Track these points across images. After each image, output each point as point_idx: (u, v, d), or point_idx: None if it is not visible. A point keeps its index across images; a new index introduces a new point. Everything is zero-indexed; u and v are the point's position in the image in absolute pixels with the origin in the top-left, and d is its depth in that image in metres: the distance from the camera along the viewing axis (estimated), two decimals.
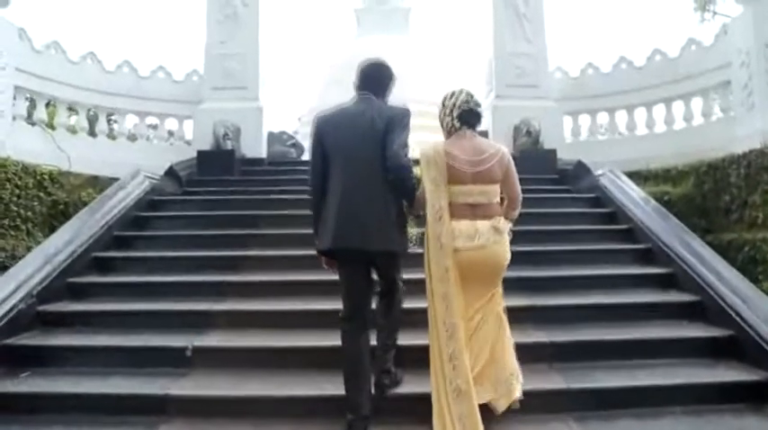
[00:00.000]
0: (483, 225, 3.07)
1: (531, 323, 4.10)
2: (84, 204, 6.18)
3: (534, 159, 7.49)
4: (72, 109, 8.48)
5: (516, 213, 3.31)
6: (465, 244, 3.03)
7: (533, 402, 3.27)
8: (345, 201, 3.08)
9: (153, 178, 6.77)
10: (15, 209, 6.16)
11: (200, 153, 7.87)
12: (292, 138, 9.69)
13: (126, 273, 5.18)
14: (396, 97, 3.43)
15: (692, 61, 7.76)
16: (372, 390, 3.20)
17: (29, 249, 5.60)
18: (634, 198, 5.98)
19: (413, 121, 3.22)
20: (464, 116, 3.18)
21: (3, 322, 3.94)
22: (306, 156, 9.22)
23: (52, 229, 5.97)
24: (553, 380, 3.55)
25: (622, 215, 5.91)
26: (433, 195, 3.08)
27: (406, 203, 3.23)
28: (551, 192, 6.82)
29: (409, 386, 3.37)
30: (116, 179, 6.56)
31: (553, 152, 7.85)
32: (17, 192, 6.22)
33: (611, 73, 8.59)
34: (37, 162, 6.70)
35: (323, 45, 47.14)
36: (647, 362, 3.76)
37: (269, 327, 4.14)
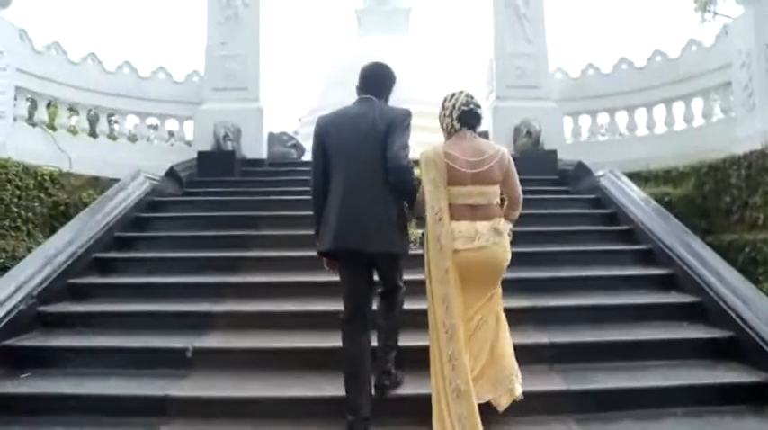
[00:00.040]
0: (483, 226, 3.06)
1: (532, 324, 4.10)
2: (85, 205, 6.18)
3: (535, 160, 7.49)
4: (73, 110, 8.51)
5: (517, 214, 3.31)
6: (465, 245, 3.02)
7: (534, 403, 3.27)
8: (346, 202, 3.08)
9: (153, 179, 6.77)
10: (16, 209, 6.17)
11: (200, 154, 7.88)
12: (293, 138, 9.70)
13: (126, 273, 5.19)
14: (396, 98, 3.43)
15: (693, 62, 7.76)
16: (373, 392, 3.20)
17: (29, 250, 5.61)
18: (634, 199, 5.98)
19: (413, 122, 3.23)
20: (464, 117, 3.18)
21: (3, 323, 3.94)
22: (306, 157, 9.24)
23: (53, 230, 5.97)
24: (553, 382, 3.54)
25: (623, 216, 5.91)
26: (433, 196, 3.08)
27: (407, 204, 3.23)
28: (552, 193, 6.82)
29: (409, 387, 3.37)
30: (117, 180, 6.56)
31: (553, 153, 7.85)
32: (18, 192, 6.22)
33: (612, 73, 8.59)
34: (38, 163, 6.71)
35: (323, 46, 47.20)
36: (647, 364, 3.75)
37: (269, 328, 4.15)
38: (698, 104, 7.80)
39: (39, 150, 7.02)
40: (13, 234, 6.08)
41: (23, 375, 3.70)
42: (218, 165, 7.73)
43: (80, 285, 4.80)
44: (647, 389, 3.48)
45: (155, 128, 9.64)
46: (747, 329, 3.83)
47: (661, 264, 5.04)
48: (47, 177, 6.69)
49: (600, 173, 6.72)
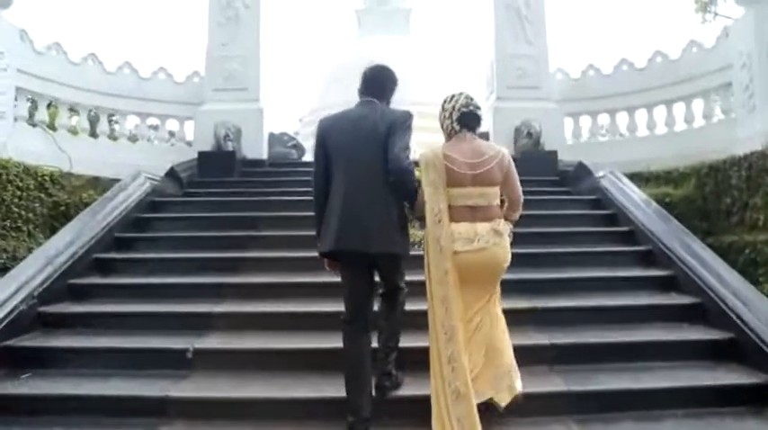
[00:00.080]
0: (483, 227, 3.06)
1: (532, 325, 4.10)
2: (86, 205, 6.18)
3: (535, 161, 7.50)
4: (73, 110, 8.50)
5: (517, 215, 3.31)
6: (464, 247, 3.02)
7: (534, 404, 3.27)
8: (347, 203, 3.09)
9: (154, 179, 6.77)
10: (16, 210, 6.17)
11: (200, 154, 7.89)
12: (293, 139, 9.71)
13: (127, 274, 5.18)
14: (396, 98, 3.44)
15: (694, 63, 7.76)
16: (373, 393, 3.20)
17: (30, 250, 5.61)
18: (635, 200, 5.98)
19: (414, 122, 3.24)
20: (463, 119, 3.19)
21: (4, 323, 3.94)
22: (306, 158, 9.25)
23: (53, 231, 5.98)
24: (554, 383, 3.54)
25: (623, 217, 5.91)
26: (432, 198, 3.08)
27: (408, 206, 3.23)
28: (552, 193, 6.82)
29: (410, 388, 3.37)
30: (117, 180, 6.56)
31: (554, 153, 7.85)
32: (18, 193, 6.22)
33: (613, 74, 8.59)
34: (38, 163, 6.71)
35: (324, 46, 47.22)
36: (647, 365, 3.75)
37: (269, 329, 4.15)
38: (698, 105, 7.80)
39: (39, 151, 7.02)
40: (13, 234, 6.08)
41: (24, 376, 3.70)
42: (218, 165, 7.73)
43: (80, 286, 4.80)
44: (648, 391, 3.48)
45: (155, 128, 9.64)
46: (747, 331, 3.82)
47: (661, 265, 5.04)
48: (47, 178, 6.70)
49: (600, 174, 6.72)
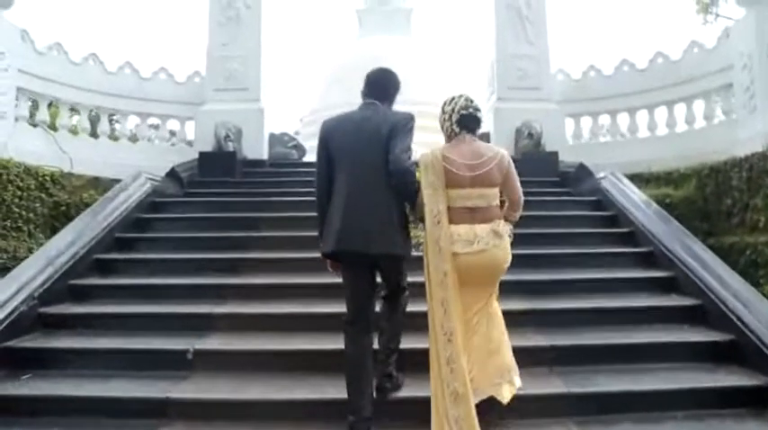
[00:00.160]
0: (482, 229, 3.07)
1: (532, 326, 4.10)
2: (86, 206, 6.19)
3: (536, 161, 7.50)
4: (74, 110, 8.51)
5: (517, 215, 3.31)
6: (464, 249, 3.02)
7: (533, 406, 3.28)
8: (349, 204, 3.11)
9: (154, 180, 6.78)
10: (17, 210, 6.19)
11: (201, 154, 7.89)
12: (294, 139, 9.71)
13: (127, 275, 5.19)
14: (397, 98, 3.45)
15: (695, 64, 7.76)
16: (374, 394, 3.20)
17: (30, 251, 5.63)
18: (635, 201, 5.98)
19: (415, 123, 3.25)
20: (463, 121, 3.19)
21: (4, 324, 3.94)
22: (306, 158, 9.26)
23: (54, 231, 5.99)
24: (554, 384, 3.54)
25: (624, 218, 5.91)
26: (432, 199, 3.08)
27: (409, 207, 3.24)
28: (552, 194, 6.81)
29: (410, 389, 3.37)
30: (118, 180, 6.57)
31: (555, 154, 7.85)
32: (19, 193, 6.24)
33: (613, 75, 8.59)
34: (39, 163, 6.73)
35: (324, 46, 47.17)
36: (648, 367, 3.75)
37: (270, 330, 4.15)
38: (699, 106, 7.79)
39: (40, 151, 7.04)
40: (14, 235, 6.09)
41: (24, 376, 3.70)
42: (219, 165, 7.73)
43: (81, 286, 4.80)
44: (648, 393, 3.47)
45: (156, 128, 9.65)
46: (748, 332, 3.82)
47: (662, 266, 5.04)
48: (48, 178, 6.71)
49: (601, 175, 6.72)
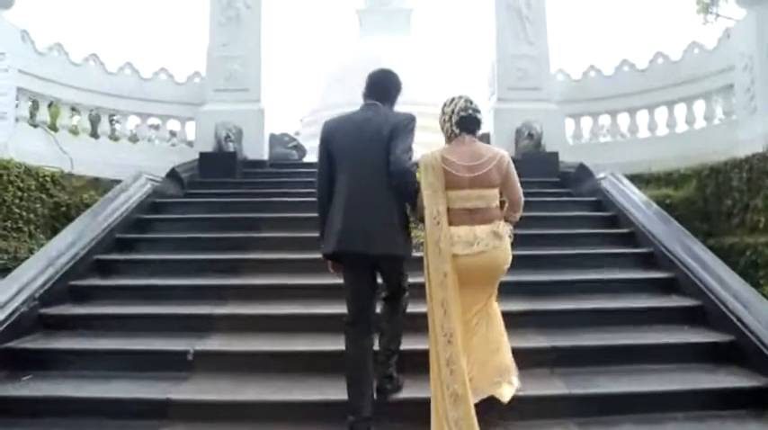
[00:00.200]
0: (482, 230, 3.07)
1: (533, 328, 4.10)
2: (87, 206, 6.19)
3: (536, 162, 7.49)
4: (74, 110, 8.50)
5: (518, 216, 3.31)
6: (464, 250, 3.03)
7: (534, 407, 3.28)
8: (350, 205, 3.11)
9: (155, 180, 6.78)
10: (17, 211, 6.18)
11: (201, 155, 7.89)
12: (294, 139, 9.71)
13: (128, 275, 5.19)
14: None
15: (695, 64, 7.75)
16: (374, 395, 3.20)
17: (31, 251, 5.62)
18: (635, 201, 5.97)
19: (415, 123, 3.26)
20: (463, 122, 3.19)
21: (5, 325, 3.94)
22: (307, 158, 9.26)
23: (54, 232, 5.99)
24: (554, 386, 3.54)
25: (624, 219, 5.91)
26: (431, 201, 3.09)
27: (410, 207, 3.24)
28: (553, 195, 6.81)
29: (410, 390, 3.37)
30: (118, 181, 6.56)
31: (555, 155, 7.85)
32: (19, 194, 6.23)
33: (614, 75, 8.58)
34: (39, 164, 6.72)
35: (325, 46, 47.18)
36: (648, 368, 3.75)
37: (270, 331, 4.15)
38: (700, 107, 7.79)
39: (40, 151, 7.03)
40: (14, 235, 6.09)
41: (25, 377, 3.70)
42: (219, 166, 7.73)
43: (81, 287, 4.80)
44: (649, 394, 3.47)
45: (156, 128, 9.65)
46: (748, 333, 3.82)
47: (662, 267, 5.04)
48: (48, 178, 6.71)
49: (601, 175, 6.71)
